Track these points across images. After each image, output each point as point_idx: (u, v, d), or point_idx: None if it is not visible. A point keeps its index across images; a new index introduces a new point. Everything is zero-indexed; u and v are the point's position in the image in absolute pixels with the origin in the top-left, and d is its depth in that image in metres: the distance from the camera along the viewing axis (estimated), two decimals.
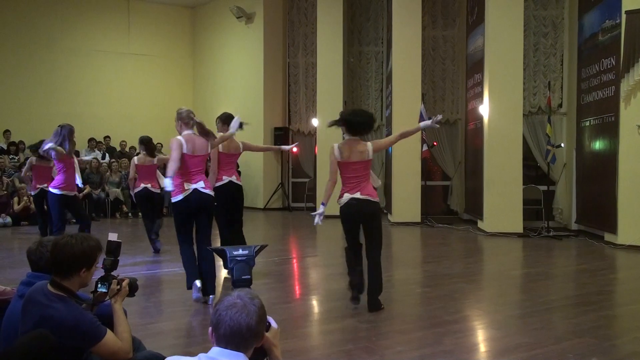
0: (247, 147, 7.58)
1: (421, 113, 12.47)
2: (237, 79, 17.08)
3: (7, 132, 15.51)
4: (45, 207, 9.23)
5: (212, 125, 7.61)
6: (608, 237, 9.84)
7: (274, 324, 2.34)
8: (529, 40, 12.06)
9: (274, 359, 2.31)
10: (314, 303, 6.29)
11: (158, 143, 15.67)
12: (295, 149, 8.31)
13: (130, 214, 14.48)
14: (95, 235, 3.06)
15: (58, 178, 7.92)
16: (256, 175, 16.29)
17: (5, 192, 12.93)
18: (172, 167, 5.67)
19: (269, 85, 16.12)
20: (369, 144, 5.67)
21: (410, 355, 4.41)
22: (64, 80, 16.74)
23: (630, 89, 9.16)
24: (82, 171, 11.42)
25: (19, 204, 12.75)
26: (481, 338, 5.07)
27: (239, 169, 9.85)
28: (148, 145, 9.27)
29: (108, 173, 14.85)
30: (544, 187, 11.82)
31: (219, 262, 6.94)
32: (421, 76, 12.90)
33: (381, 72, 15.14)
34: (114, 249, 3.23)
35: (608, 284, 7.20)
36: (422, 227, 12.39)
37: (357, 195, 5.54)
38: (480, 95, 11.55)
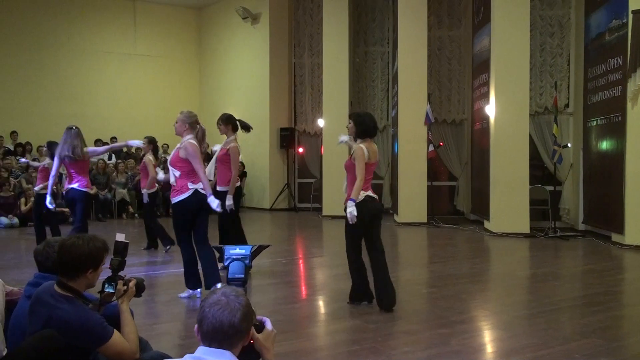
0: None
1: (427, 113, 12.47)
2: (243, 80, 17.10)
3: (14, 133, 15.59)
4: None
5: (214, 127, 7.69)
6: (615, 237, 9.79)
7: (268, 326, 2.31)
8: (535, 40, 12.02)
9: None
10: (320, 303, 6.29)
11: (164, 144, 15.75)
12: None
13: (136, 215, 14.51)
14: (101, 236, 3.07)
15: (83, 178, 7.82)
16: (262, 175, 16.31)
17: (12, 193, 12.98)
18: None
19: (275, 85, 16.13)
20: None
21: (417, 356, 4.40)
22: (70, 82, 16.81)
23: (637, 89, 9.11)
24: (88, 172, 11.42)
25: (25, 204, 12.80)
26: (488, 339, 5.06)
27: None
28: (156, 145, 9.42)
29: (114, 174, 14.89)
30: (550, 188, 11.78)
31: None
32: (427, 76, 12.89)
33: (387, 72, 15.12)
34: (121, 250, 3.24)
35: (615, 285, 7.17)
36: (428, 227, 12.37)
37: (370, 193, 5.71)
38: (486, 96, 11.52)
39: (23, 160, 12.85)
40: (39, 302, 2.81)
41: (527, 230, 10.75)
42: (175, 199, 6.01)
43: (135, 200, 14.34)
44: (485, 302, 6.30)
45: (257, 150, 15.98)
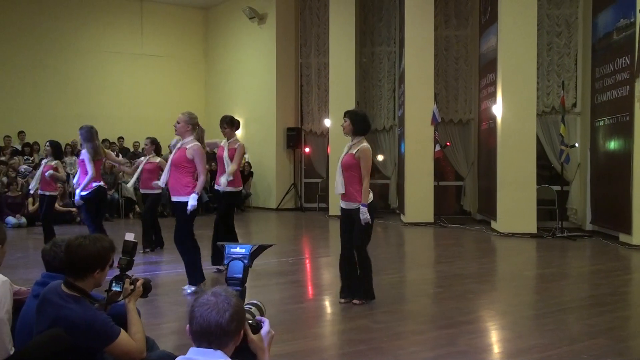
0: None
1: (434, 113, 12.45)
2: (249, 80, 17.12)
3: (21, 133, 15.64)
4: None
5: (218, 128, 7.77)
6: (623, 237, 9.75)
7: (266, 327, 2.30)
8: (542, 39, 11.98)
9: None
10: (327, 303, 6.28)
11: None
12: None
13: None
14: (109, 235, 3.07)
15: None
16: (269, 175, 16.32)
17: (20, 192, 13.04)
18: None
19: (282, 85, 16.14)
20: None
21: (424, 356, 4.40)
22: (77, 82, 16.86)
23: None
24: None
25: (33, 204, 12.85)
26: (495, 339, 5.05)
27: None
28: (158, 145, 9.51)
29: (122, 174, 14.92)
30: (557, 187, 11.74)
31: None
32: (434, 76, 12.86)
33: (394, 72, 15.10)
34: (130, 249, 3.24)
35: (623, 285, 7.14)
36: (434, 227, 12.35)
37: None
38: (493, 95, 11.49)
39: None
40: (46, 302, 2.82)
41: (534, 230, 10.72)
42: (181, 199, 6.14)
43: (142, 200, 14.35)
44: (492, 303, 6.28)
45: (263, 150, 16.00)
